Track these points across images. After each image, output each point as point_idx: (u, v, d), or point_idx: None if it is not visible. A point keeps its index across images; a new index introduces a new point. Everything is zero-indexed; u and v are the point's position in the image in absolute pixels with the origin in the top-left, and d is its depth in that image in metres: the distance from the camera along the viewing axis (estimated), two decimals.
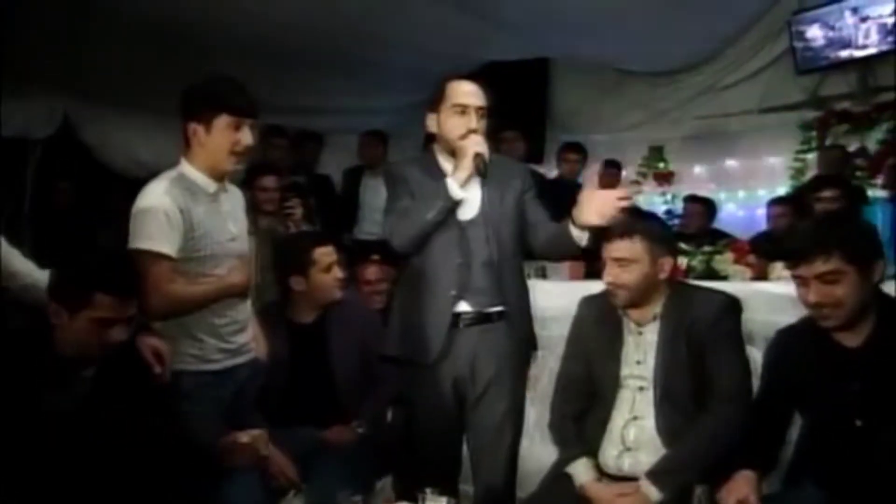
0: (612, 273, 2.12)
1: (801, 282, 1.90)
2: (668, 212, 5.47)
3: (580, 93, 5.95)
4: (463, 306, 2.32)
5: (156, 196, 2.10)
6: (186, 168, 2.18)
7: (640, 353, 2.15)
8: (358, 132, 5.80)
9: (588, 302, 2.31)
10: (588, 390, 2.23)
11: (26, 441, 1.76)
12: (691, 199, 5.28)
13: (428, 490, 1.90)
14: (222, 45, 4.58)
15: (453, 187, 2.30)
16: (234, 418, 2.25)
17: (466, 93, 2.36)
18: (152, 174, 2.22)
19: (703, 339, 2.08)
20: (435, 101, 2.39)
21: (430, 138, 2.46)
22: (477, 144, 2.32)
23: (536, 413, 2.74)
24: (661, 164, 5.99)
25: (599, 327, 2.23)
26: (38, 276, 2.09)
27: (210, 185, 2.19)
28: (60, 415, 1.81)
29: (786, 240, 2.04)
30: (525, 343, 2.43)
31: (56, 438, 1.78)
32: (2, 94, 4.00)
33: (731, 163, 5.84)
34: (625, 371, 2.16)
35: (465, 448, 2.43)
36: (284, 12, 4.40)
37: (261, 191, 3.72)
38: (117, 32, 4.38)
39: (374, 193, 5.06)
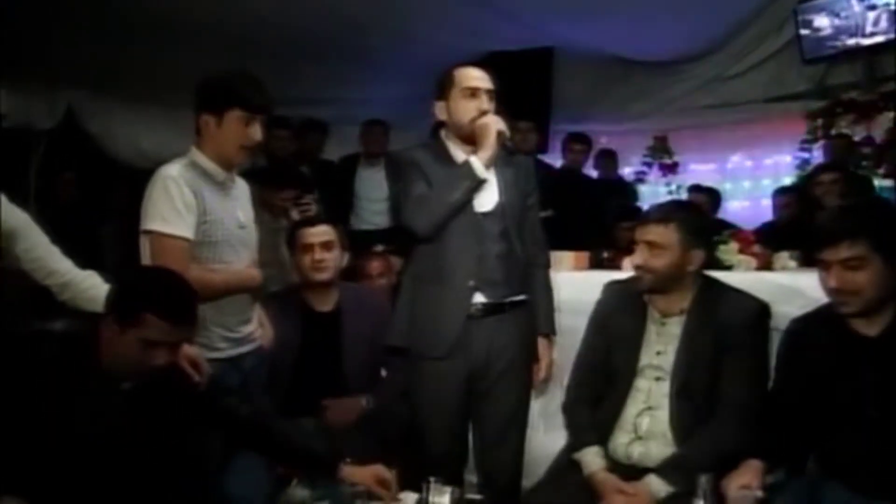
0: (641, 256, 2.13)
1: (823, 266, 1.90)
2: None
3: (585, 82, 5.93)
4: (478, 297, 2.31)
5: (171, 179, 2.11)
6: (198, 156, 2.21)
7: (662, 344, 2.15)
8: (360, 123, 5.79)
9: (612, 287, 2.31)
10: (605, 376, 2.23)
11: (56, 447, 1.75)
12: (695, 189, 5.26)
13: (432, 479, 1.90)
14: (225, 36, 4.58)
15: (478, 166, 2.26)
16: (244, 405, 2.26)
17: (476, 77, 2.34)
18: (157, 165, 2.23)
19: (728, 342, 2.07)
20: (442, 88, 2.36)
21: (438, 127, 2.44)
22: (498, 122, 2.30)
23: (541, 403, 2.74)
24: (666, 155, 5.98)
25: (623, 314, 2.23)
26: (74, 275, 2.13)
27: (220, 174, 2.22)
28: (93, 423, 1.80)
29: (815, 223, 2.03)
30: (534, 334, 2.42)
31: (86, 446, 1.78)
32: (4, 85, 4.00)
33: (736, 153, 5.82)
34: (644, 360, 2.16)
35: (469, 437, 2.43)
36: (287, 3, 4.39)
37: (280, 201, 3.74)
38: (121, 24, 4.37)
39: (371, 184, 5.04)
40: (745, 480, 1.90)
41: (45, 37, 4.30)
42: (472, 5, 4.76)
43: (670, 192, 5.77)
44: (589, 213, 4.68)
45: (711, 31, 5.38)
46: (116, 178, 5.39)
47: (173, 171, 2.14)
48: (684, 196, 5.43)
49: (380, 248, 3.52)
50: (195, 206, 2.12)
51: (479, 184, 2.28)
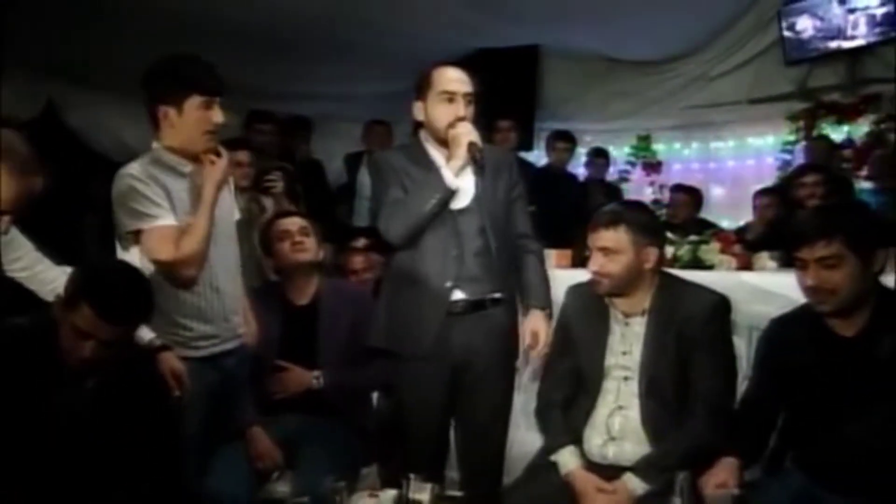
0: (596, 262, 2.14)
1: (801, 264, 1.92)
2: (656, 201, 5.48)
3: (570, 81, 5.94)
4: (457, 295, 2.30)
5: (131, 177, 2.09)
6: (160, 152, 2.17)
7: (627, 344, 2.16)
8: (345, 119, 5.78)
9: (574, 291, 2.31)
10: (574, 378, 2.24)
11: (24, 438, 1.75)
12: (678, 189, 5.30)
13: (412, 476, 1.90)
14: (210, 30, 4.54)
15: (449, 177, 2.26)
16: (223, 404, 2.25)
17: (453, 79, 2.32)
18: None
19: (692, 338, 2.08)
20: (421, 88, 2.35)
21: (418, 126, 2.44)
22: (470, 133, 2.29)
23: (521, 400, 2.75)
24: (650, 154, 6.01)
25: (586, 317, 2.23)
26: (39, 268, 2.13)
27: (185, 165, 2.18)
28: (59, 415, 1.80)
29: (792, 223, 2.06)
30: (516, 329, 2.41)
31: (53, 437, 1.78)
32: None
33: (719, 153, 5.86)
34: (610, 361, 2.17)
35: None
36: None
37: (235, 165, 3.67)
38: (102, 16, 4.33)
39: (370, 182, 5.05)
40: (722, 479, 1.92)
41: (26, 28, 4.24)
42: (461, 3, 4.76)
43: (654, 192, 5.80)
44: (572, 211, 4.70)
45: (696, 31, 5.42)
46: (98, 171, 5.34)
47: (134, 170, 2.11)
48: (667, 196, 5.47)
49: (361, 242, 3.50)
50: (164, 197, 2.10)
51: (451, 194, 2.28)
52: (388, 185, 2.34)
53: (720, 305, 2.14)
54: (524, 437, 2.61)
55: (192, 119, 2.13)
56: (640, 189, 5.92)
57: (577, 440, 2.16)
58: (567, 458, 2.14)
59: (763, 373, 2.10)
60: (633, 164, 6.06)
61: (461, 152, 2.27)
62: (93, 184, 5.33)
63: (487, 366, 2.34)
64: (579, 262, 3.57)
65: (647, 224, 2.18)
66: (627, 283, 2.13)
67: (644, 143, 6.00)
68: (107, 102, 5.21)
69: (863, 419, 1.86)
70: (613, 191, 5.66)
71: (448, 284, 2.29)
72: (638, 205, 2.43)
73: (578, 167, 5.80)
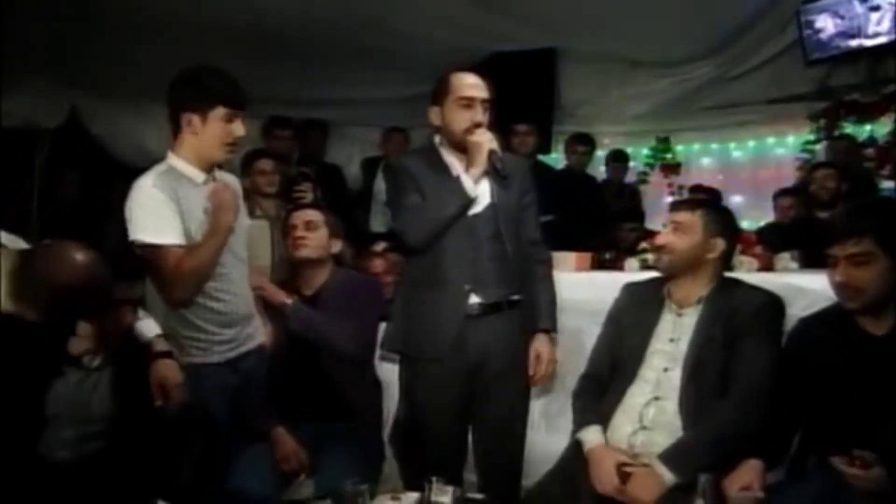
0: (665, 237, 2.23)
1: (831, 261, 1.96)
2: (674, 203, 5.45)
3: (587, 83, 5.91)
4: (474, 298, 2.32)
5: (146, 189, 2.12)
6: (175, 161, 2.21)
7: (676, 333, 2.19)
8: (362, 123, 5.80)
9: (631, 285, 2.39)
10: (614, 365, 2.27)
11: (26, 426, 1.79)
12: (697, 190, 5.26)
13: (434, 479, 1.91)
14: (228, 36, 4.58)
15: (468, 185, 2.28)
16: (243, 408, 2.27)
17: (471, 85, 2.34)
18: None
19: (739, 328, 2.11)
20: (438, 93, 2.37)
21: (436, 130, 2.45)
22: (490, 141, 2.30)
23: (542, 403, 2.74)
24: (669, 155, 5.97)
25: (638, 306, 2.30)
26: None
27: (199, 176, 2.21)
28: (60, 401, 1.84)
29: (825, 221, 2.08)
30: (533, 332, 2.41)
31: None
32: (4, 84, 4.01)
33: (738, 154, 5.82)
34: (655, 346, 2.19)
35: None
36: (290, 4, 4.40)
37: (259, 174, 3.74)
38: (124, 24, 4.38)
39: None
40: (746, 481, 1.91)
41: (49, 36, 4.30)
42: (476, 6, 4.76)
43: (672, 193, 5.76)
44: (591, 213, 4.69)
45: (714, 32, 5.38)
46: (120, 178, 5.40)
47: (148, 182, 2.14)
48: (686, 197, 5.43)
49: (380, 246, 3.52)
50: (177, 211, 2.12)
51: (470, 202, 2.29)
52: (404, 189, 2.35)
53: (773, 303, 2.18)
54: (545, 440, 2.61)
55: (215, 129, 2.17)
56: (659, 191, 5.89)
57: (605, 423, 2.18)
58: (592, 436, 2.16)
59: (789, 373, 2.09)
60: (651, 166, 6.03)
61: (481, 160, 2.29)
62: (115, 190, 5.41)
63: (503, 367, 2.35)
64: (598, 264, 3.57)
65: (723, 218, 2.28)
66: (687, 264, 2.19)
67: (663, 144, 5.97)
68: (129, 110, 5.26)
69: (892, 420, 1.84)
70: (632, 193, 5.64)
71: (466, 287, 2.30)
72: (719, 202, 2.45)
73: (599, 168, 5.78)
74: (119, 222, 5.32)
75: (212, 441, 2.10)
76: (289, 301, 2.55)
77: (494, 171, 2.32)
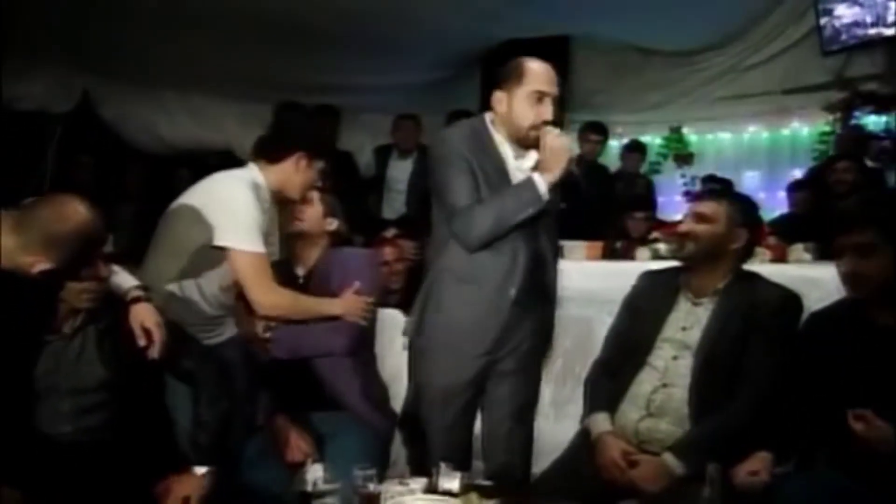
0: (688, 224, 2.23)
1: (838, 251, 1.97)
2: (687, 192, 5.42)
3: (601, 72, 5.88)
4: (516, 298, 2.23)
5: (249, 200, 2.24)
6: (259, 181, 2.33)
7: (689, 321, 2.19)
8: (374, 110, 5.79)
9: (648, 274, 2.39)
10: (626, 352, 2.27)
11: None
12: (711, 180, 5.23)
13: (442, 465, 1.91)
14: (240, 23, 4.58)
15: (542, 188, 2.16)
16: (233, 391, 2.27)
17: (548, 80, 2.24)
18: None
19: (755, 324, 2.10)
20: (508, 79, 2.24)
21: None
22: (570, 147, 2.22)
23: (551, 391, 2.74)
24: (682, 145, 5.94)
25: (653, 293, 2.29)
26: None
27: (267, 202, 2.35)
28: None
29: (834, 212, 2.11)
30: (550, 322, 2.39)
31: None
32: (17, 69, 4.02)
33: (752, 144, 5.77)
34: (666, 334, 2.19)
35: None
36: None
37: None
38: (136, 9, 4.38)
39: (402, 175, 5.12)
40: (755, 468, 1.91)
41: (62, 21, 4.31)
42: None
43: (685, 184, 5.73)
44: (602, 203, 4.67)
45: (729, 21, 5.33)
46: (132, 162, 5.42)
47: (247, 192, 2.26)
48: (698, 187, 5.40)
49: (391, 233, 3.52)
50: (263, 225, 2.27)
51: (543, 205, 2.18)
52: (456, 173, 2.20)
53: (791, 301, 2.16)
54: (553, 429, 2.61)
55: (306, 174, 2.39)
56: (672, 181, 5.85)
57: (614, 410, 2.18)
58: (599, 423, 2.16)
59: (800, 366, 2.08)
60: (664, 156, 5.99)
61: (559, 166, 2.17)
62: (127, 174, 5.44)
63: (521, 360, 2.31)
64: (609, 253, 3.56)
65: (747, 210, 2.27)
66: (709, 252, 2.18)
67: (676, 134, 5.93)
68: (141, 96, 5.29)
69: None
70: (645, 183, 5.61)
71: (512, 291, 2.22)
72: (744, 195, 2.46)
73: (610, 156, 5.74)
74: (132, 204, 5.35)
75: (230, 399, 2.11)
76: (268, 335, 2.50)
77: (571, 179, 2.22)
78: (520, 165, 2.25)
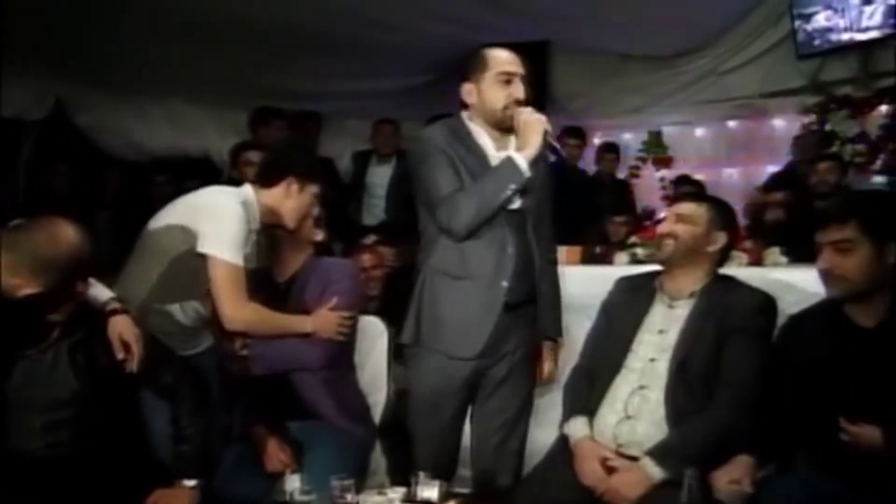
0: (669, 225, 2.25)
1: (817, 248, 1.97)
2: (666, 197, 5.45)
3: (580, 76, 5.91)
4: (508, 293, 2.23)
5: (237, 214, 2.24)
6: (252, 199, 2.33)
7: (665, 324, 2.19)
8: (354, 116, 5.77)
9: (623, 279, 2.40)
10: (603, 358, 2.26)
11: None
12: (683, 181, 5.26)
13: (421, 474, 1.89)
14: (219, 29, 4.55)
15: (523, 164, 2.16)
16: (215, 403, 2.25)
17: (510, 61, 2.27)
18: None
19: (731, 327, 2.11)
20: (472, 70, 2.27)
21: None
22: (543, 121, 2.21)
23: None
24: (660, 149, 5.97)
25: (629, 297, 2.30)
26: None
27: (256, 223, 2.34)
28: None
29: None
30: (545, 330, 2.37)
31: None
32: None
33: (730, 147, 5.81)
34: (642, 337, 2.19)
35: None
36: None
37: (245, 165, 3.75)
38: (110, 15, 4.33)
39: (381, 180, 5.12)
40: (736, 476, 1.91)
41: (34, 27, 4.25)
42: None
43: (664, 188, 5.76)
44: (581, 207, 4.68)
45: (707, 26, 5.37)
46: (108, 169, 5.36)
47: (238, 209, 2.25)
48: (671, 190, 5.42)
49: (370, 239, 3.51)
50: (245, 239, 2.27)
51: (525, 182, 2.18)
52: (437, 167, 2.20)
53: (767, 303, 2.17)
54: (534, 434, 2.59)
55: (299, 199, 2.38)
56: (651, 184, 5.88)
57: (592, 415, 2.18)
58: (578, 428, 2.16)
59: (779, 369, 2.08)
60: (643, 160, 6.02)
61: (535, 141, 2.19)
62: (104, 182, 5.37)
63: (512, 368, 2.30)
64: (588, 258, 3.56)
65: (726, 213, 2.29)
66: (687, 253, 2.20)
67: (655, 138, 5.97)
68: (115, 102, 5.22)
69: (884, 413, 1.84)
70: (623, 187, 5.64)
71: (504, 284, 2.21)
72: (721, 200, 2.45)
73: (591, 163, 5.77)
74: (108, 211, 5.29)
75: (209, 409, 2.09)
76: (245, 352, 2.49)
77: (552, 152, 2.25)
78: (501, 156, 2.25)
